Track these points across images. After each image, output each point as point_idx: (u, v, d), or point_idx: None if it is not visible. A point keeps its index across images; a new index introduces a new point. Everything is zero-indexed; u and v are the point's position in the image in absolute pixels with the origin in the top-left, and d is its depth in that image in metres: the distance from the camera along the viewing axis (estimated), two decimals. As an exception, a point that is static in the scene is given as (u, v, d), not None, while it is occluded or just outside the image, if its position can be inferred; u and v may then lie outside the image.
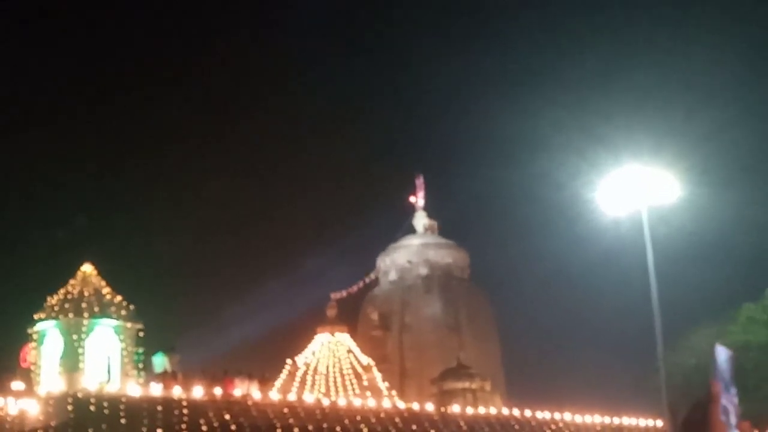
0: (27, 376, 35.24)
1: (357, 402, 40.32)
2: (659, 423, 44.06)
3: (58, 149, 72.35)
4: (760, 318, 45.27)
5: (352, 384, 47.92)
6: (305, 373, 48.59)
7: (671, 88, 59.81)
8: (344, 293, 56.77)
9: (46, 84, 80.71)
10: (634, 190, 27.17)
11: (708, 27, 62.40)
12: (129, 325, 36.81)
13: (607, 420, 45.83)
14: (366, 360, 49.68)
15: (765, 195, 54.70)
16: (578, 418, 44.97)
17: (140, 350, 37.04)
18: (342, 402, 39.75)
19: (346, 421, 37.05)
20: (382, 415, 38.90)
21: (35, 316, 36.69)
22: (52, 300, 36.84)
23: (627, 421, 46.75)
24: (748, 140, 53.34)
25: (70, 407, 31.72)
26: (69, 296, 36.73)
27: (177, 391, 33.90)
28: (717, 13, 62.48)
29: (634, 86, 61.90)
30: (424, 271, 59.71)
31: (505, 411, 44.08)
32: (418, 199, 62.86)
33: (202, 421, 33.06)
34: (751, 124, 54.52)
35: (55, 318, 36.14)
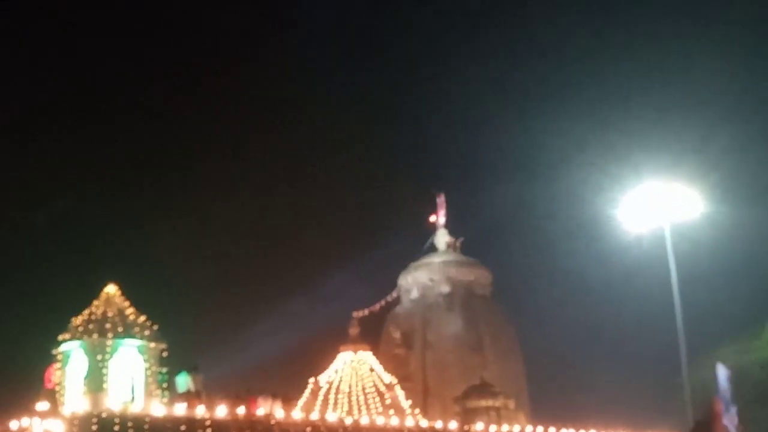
0: (52, 396, 35.39)
1: (380, 420, 40.29)
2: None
3: (82, 168, 72.94)
4: (785, 334, 44.95)
5: (374, 402, 47.88)
6: (328, 391, 48.60)
7: (692, 105, 59.73)
8: (366, 312, 56.83)
9: (70, 97, 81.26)
10: (657, 206, 27.09)
11: (730, 42, 62.24)
12: (153, 345, 36.96)
13: (631, 437, 45.65)
14: (388, 378, 49.65)
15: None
16: (602, 436, 44.83)
17: (164, 370, 37.16)
18: (365, 421, 39.73)
19: (370, 440, 37.11)
20: (405, 433, 38.91)
21: (59, 337, 36.90)
22: (76, 321, 37.04)
23: (651, 438, 46.51)
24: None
25: (94, 427, 31.87)
26: (93, 317, 36.93)
27: (200, 411, 34.02)
28: (739, 27, 62.33)
29: (655, 102, 61.89)
30: (445, 289, 59.67)
31: (529, 428, 43.94)
32: (440, 218, 62.92)
33: (225, 441, 33.22)
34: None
35: (80, 339, 36.33)
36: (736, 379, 46.99)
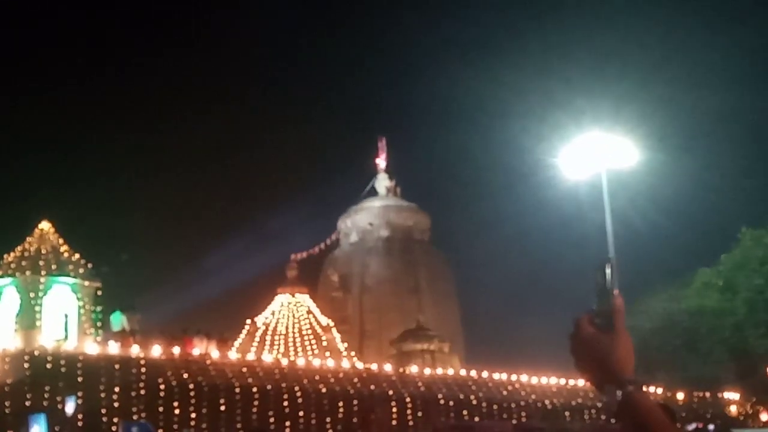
0: (-17, 333, 34.93)
1: (316, 362, 40.46)
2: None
3: (15, 100, 71.36)
4: (715, 283, 46.02)
5: (311, 344, 48.05)
6: (265, 333, 48.64)
7: (629, 55, 60.27)
8: (305, 254, 56.83)
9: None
10: (595, 155, 27.34)
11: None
12: (87, 283, 36.48)
13: (562, 381, 46.35)
14: (326, 321, 49.80)
15: (721, 161, 55.32)
16: (534, 380, 45.45)
17: (98, 309, 36.79)
18: (301, 362, 39.86)
19: (305, 381, 37.19)
20: (341, 375, 39.09)
21: (-9, 274, 36.32)
22: (9, 257, 36.38)
23: (582, 382, 47.23)
24: (705, 106, 53.84)
25: (26, 365, 31.51)
26: (26, 254, 36.30)
27: (135, 350, 33.80)
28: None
29: (593, 52, 62.22)
30: (384, 233, 59.82)
31: (463, 372, 44.45)
32: (381, 161, 62.94)
33: (160, 380, 33.01)
34: (708, 90, 55.01)
35: (12, 275, 35.73)
36: (666, 326, 48.10)
